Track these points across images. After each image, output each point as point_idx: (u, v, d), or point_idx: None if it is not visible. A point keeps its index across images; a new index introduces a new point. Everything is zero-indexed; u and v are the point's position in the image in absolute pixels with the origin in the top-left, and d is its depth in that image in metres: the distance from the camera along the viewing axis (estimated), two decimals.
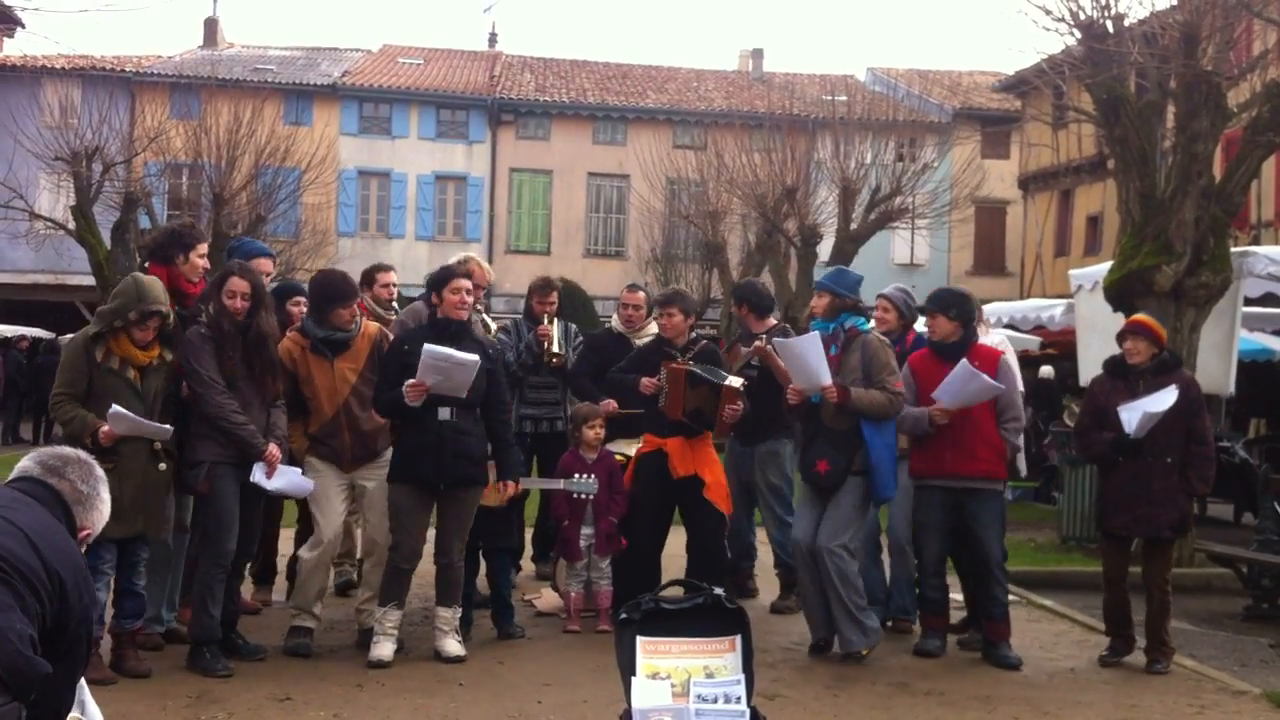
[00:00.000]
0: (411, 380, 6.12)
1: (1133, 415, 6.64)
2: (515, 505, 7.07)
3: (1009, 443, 6.82)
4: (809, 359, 6.49)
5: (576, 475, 7.04)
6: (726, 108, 33.56)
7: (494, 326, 7.93)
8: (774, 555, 8.09)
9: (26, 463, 3.43)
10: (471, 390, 6.24)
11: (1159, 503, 6.71)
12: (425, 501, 6.32)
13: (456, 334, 6.34)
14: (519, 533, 7.48)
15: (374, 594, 6.46)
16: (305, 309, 6.99)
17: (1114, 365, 7.00)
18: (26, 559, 3.05)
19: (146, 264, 6.53)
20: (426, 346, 6.11)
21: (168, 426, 5.87)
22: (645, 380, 7.21)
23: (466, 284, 6.42)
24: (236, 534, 6.09)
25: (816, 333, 6.62)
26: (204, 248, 6.53)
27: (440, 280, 6.53)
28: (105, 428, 5.65)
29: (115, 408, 5.67)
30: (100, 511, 3.48)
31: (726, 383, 6.93)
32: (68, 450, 3.51)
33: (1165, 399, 6.64)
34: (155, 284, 5.94)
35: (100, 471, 3.53)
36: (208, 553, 6.10)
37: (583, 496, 7.02)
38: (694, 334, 7.44)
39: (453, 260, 7.47)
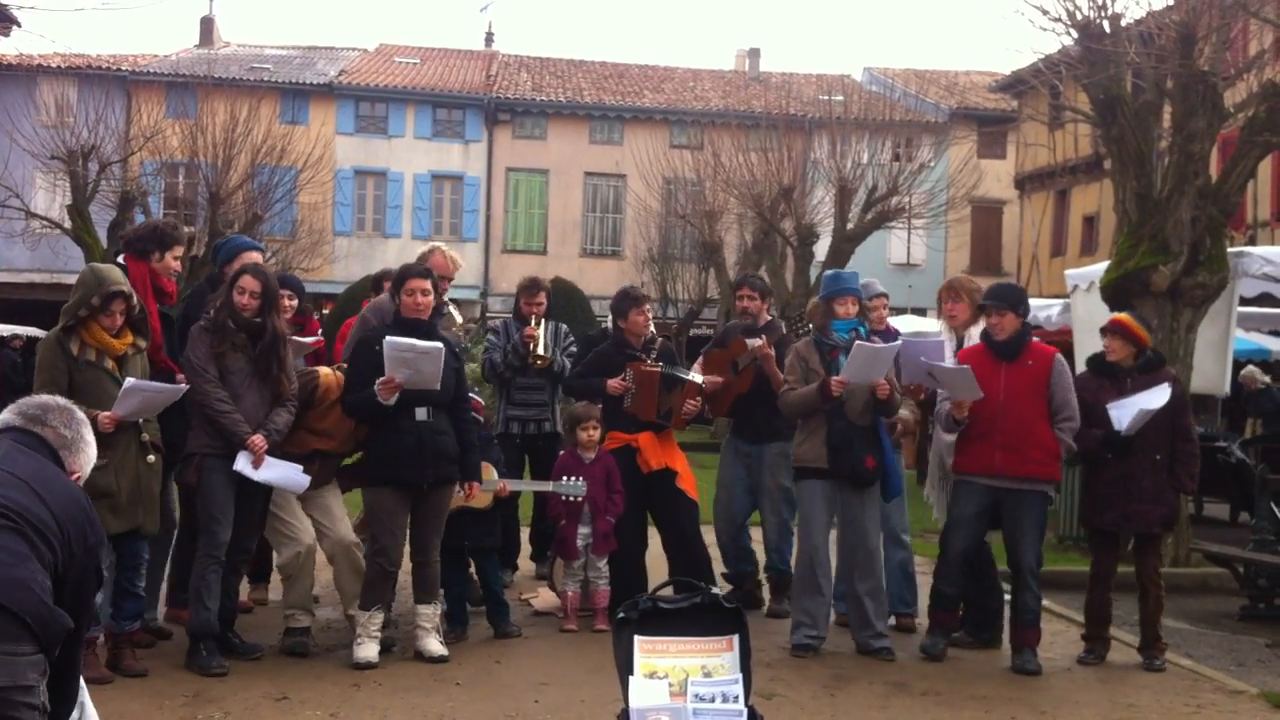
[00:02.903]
0: (382, 378, 6.09)
1: (1123, 413, 6.65)
2: (500, 505, 7.06)
3: (1063, 443, 6.65)
4: (881, 362, 6.57)
5: (565, 478, 7.04)
6: (723, 107, 33.53)
7: (459, 318, 7.88)
8: (767, 558, 7.81)
9: (6, 415, 3.44)
10: (444, 388, 6.23)
11: (1149, 499, 6.74)
12: (406, 503, 6.28)
13: (425, 333, 6.30)
14: (512, 533, 7.48)
15: (354, 599, 6.43)
16: (289, 301, 6.95)
17: (1098, 363, 7.01)
18: (36, 510, 3.09)
19: (121, 256, 6.54)
20: (388, 339, 6.08)
21: (182, 386, 5.86)
22: (613, 382, 7.27)
23: (423, 284, 6.35)
24: (230, 526, 6.07)
25: (902, 341, 6.89)
26: (180, 250, 6.53)
27: (397, 281, 6.54)
28: (104, 415, 5.58)
29: (130, 380, 5.64)
30: (86, 455, 3.51)
31: (690, 378, 7.13)
32: (45, 398, 3.53)
33: (1159, 396, 6.65)
34: (112, 269, 5.93)
35: (81, 415, 3.55)
36: (201, 546, 6.08)
37: (571, 499, 7.02)
38: (650, 331, 7.55)
39: (421, 251, 7.45)
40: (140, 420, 5.81)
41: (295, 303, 6.97)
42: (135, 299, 5.85)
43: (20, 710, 2.91)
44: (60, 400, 3.53)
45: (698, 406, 7.22)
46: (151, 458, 5.88)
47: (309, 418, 6.42)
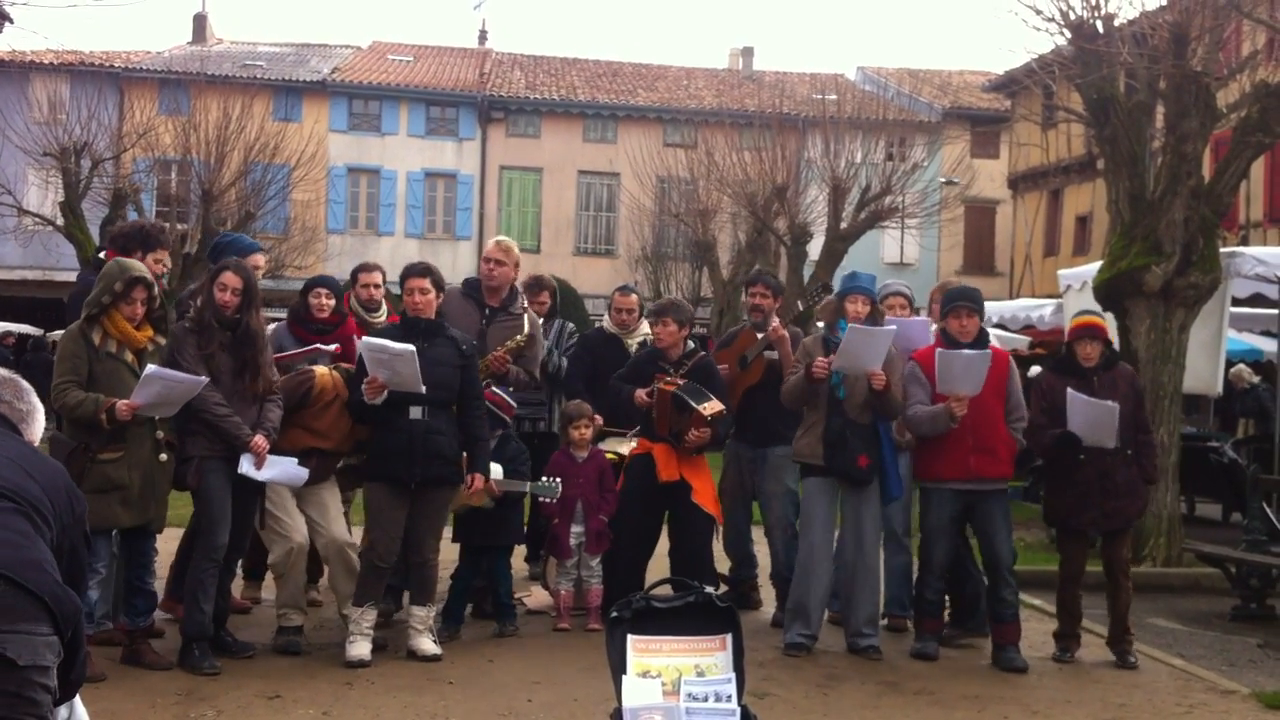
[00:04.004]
0: (366, 379, 6.12)
1: (1078, 409, 6.70)
2: (512, 503, 7.03)
3: (1017, 440, 6.86)
4: (875, 348, 6.54)
5: (544, 479, 7.01)
6: (717, 106, 33.52)
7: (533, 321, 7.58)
8: (774, 566, 7.67)
9: None
10: (442, 388, 6.23)
11: (1124, 494, 6.86)
12: (400, 500, 6.28)
13: (428, 331, 6.30)
14: (520, 531, 7.43)
15: (347, 599, 6.42)
16: (326, 301, 6.94)
17: (1063, 364, 7.08)
18: (30, 488, 3.11)
19: (103, 252, 6.54)
20: (363, 340, 6.11)
21: (203, 378, 5.84)
22: (639, 394, 7.17)
23: (422, 283, 6.37)
24: (228, 529, 6.07)
25: (895, 327, 6.81)
26: (163, 254, 6.58)
27: (400, 282, 6.56)
28: (123, 403, 5.59)
29: (151, 366, 5.64)
30: (39, 423, 3.51)
31: (700, 408, 6.83)
32: None
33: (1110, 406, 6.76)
34: (134, 262, 5.98)
35: (26, 384, 3.52)
36: (199, 548, 6.08)
37: (546, 500, 7.00)
38: (690, 345, 7.33)
39: (492, 242, 7.45)
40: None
41: (332, 303, 6.96)
42: (156, 291, 5.90)
43: (36, 690, 2.91)
44: (3, 372, 3.51)
45: (703, 437, 6.88)
46: (164, 456, 5.90)
47: (305, 417, 6.41)
